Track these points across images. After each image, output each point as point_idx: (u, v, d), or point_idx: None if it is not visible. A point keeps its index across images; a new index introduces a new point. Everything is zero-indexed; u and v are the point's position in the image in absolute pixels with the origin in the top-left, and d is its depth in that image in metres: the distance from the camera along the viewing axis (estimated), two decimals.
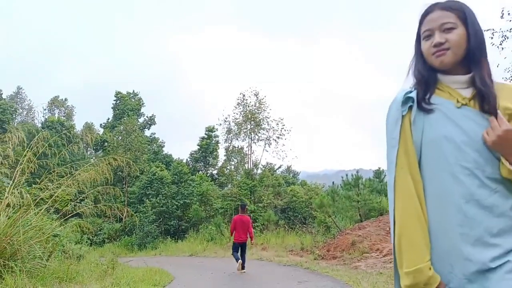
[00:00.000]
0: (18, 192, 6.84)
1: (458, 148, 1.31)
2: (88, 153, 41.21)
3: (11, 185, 7.15)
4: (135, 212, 22.55)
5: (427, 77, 1.44)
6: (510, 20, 11.16)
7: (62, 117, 47.57)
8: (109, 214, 10.17)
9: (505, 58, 11.74)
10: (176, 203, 24.75)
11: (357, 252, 11.35)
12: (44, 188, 7.75)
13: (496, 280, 1.24)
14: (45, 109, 53.54)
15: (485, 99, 1.34)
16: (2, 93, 51.06)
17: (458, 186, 1.30)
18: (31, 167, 7.34)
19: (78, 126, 46.06)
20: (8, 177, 7.38)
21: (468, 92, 1.39)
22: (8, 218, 6.73)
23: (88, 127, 47.37)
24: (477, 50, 1.39)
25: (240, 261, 9.96)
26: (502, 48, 11.61)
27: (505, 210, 1.28)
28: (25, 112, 58.37)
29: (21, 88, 59.54)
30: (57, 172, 7.77)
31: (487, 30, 11.84)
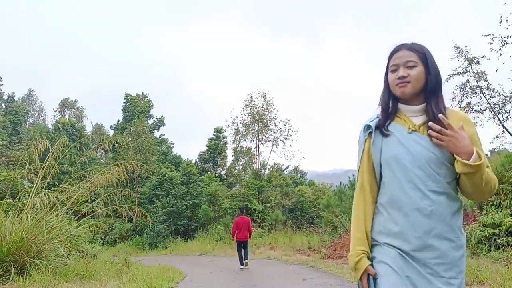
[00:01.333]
0: (45, 194, 7.33)
1: (404, 167, 1.66)
2: (98, 153, 41.79)
3: (34, 188, 7.64)
4: (146, 212, 22.98)
5: (389, 107, 1.81)
6: (507, 28, 11.39)
7: (73, 119, 48.29)
8: (121, 214, 10.65)
9: (503, 63, 11.96)
10: (186, 203, 25.14)
11: None
12: (64, 191, 8.23)
13: (435, 279, 1.59)
14: (55, 111, 54.39)
15: (437, 123, 1.65)
16: (14, 96, 52.14)
17: (405, 197, 1.65)
18: (53, 172, 7.83)
19: (88, 128, 46.79)
20: (32, 181, 7.86)
21: (419, 120, 1.73)
22: (33, 219, 7.22)
23: (99, 128, 48.09)
24: (436, 85, 1.74)
25: (245, 261, 11.09)
26: (501, 54, 11.85)
27: (445, 216, 1.63)
28: (36, 114, 59.31)
29: (32, 90, 60.45)
30: (77, 176, 8.24)
31: (486, 35, 12.10)
